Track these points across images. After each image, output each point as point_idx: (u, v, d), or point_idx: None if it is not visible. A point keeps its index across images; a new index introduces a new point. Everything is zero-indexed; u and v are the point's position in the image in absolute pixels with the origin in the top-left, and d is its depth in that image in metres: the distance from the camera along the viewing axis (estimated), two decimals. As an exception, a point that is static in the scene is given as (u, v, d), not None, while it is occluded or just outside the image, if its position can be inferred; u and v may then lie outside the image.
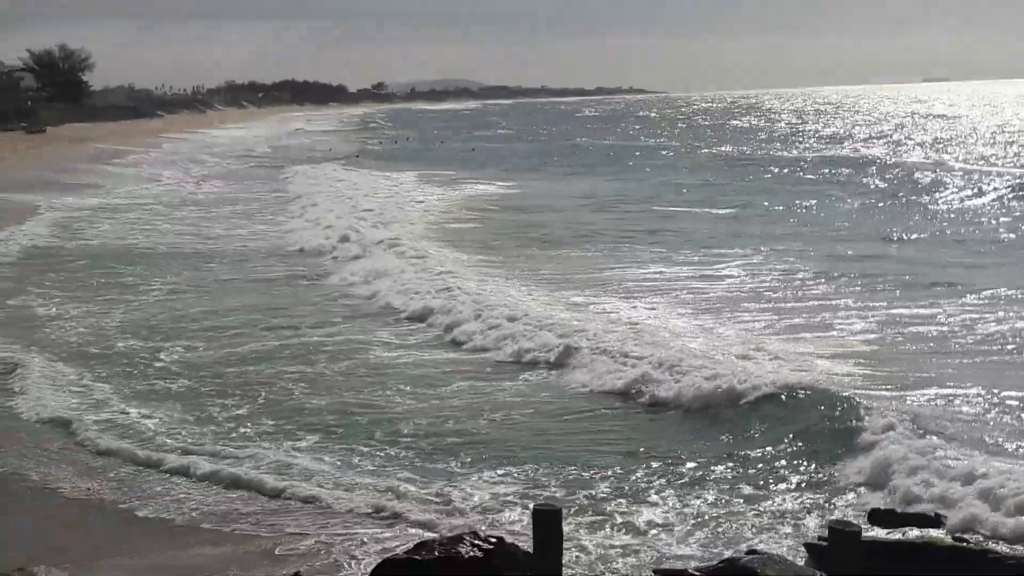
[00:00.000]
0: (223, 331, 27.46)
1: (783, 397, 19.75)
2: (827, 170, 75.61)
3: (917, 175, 68.13)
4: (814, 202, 55.50)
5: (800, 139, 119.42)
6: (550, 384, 22.44)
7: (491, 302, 28.80)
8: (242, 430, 19.70)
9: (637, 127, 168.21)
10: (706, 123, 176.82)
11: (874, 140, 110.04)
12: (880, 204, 54.38)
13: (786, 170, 77.17)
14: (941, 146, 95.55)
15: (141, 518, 15.87)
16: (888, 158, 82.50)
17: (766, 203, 55.42)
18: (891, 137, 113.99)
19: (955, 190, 58.78)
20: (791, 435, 18.30)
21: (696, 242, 41.12)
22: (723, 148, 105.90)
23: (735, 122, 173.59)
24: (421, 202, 59.50)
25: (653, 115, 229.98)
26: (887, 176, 68.90)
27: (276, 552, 14.36)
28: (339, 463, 17.84)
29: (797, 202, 55.48)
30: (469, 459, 17.88)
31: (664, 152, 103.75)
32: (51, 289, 33.48)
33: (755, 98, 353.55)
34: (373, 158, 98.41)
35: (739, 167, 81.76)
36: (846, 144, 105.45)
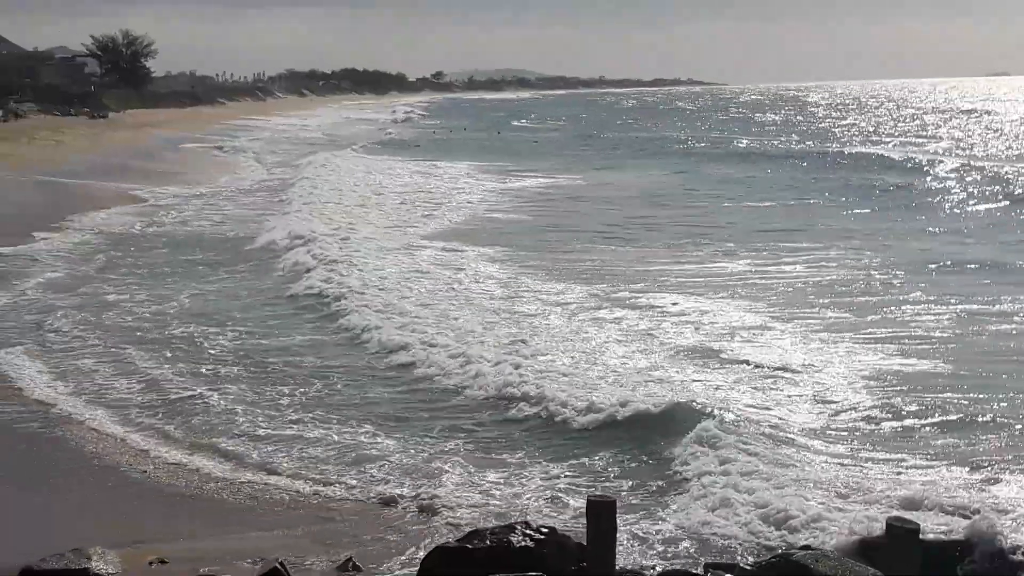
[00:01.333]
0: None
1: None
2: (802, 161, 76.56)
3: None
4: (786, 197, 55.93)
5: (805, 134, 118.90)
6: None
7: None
8: (291, 416, 19.82)
9: (664, 120, 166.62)
10: (738, 116, 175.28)
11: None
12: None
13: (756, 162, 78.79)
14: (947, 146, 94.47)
15: (194, 502, 16.00)
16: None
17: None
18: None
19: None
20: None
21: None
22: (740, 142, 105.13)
23: (762, 115, 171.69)
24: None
25: (689, 108, 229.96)
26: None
27: (327, 540, 14.38)
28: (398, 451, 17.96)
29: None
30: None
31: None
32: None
33: (804, 90, 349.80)
34: (424, 148, 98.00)
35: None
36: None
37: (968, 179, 61.15)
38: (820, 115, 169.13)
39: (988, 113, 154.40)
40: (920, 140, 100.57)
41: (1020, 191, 55.05)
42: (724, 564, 13.09)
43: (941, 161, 71.55)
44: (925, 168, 69.20)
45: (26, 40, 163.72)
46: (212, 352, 24.30)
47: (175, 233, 42.75)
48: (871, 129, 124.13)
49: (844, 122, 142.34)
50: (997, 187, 57.46)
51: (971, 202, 52.16)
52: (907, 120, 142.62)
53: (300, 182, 61.57)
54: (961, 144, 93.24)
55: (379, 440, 18.43)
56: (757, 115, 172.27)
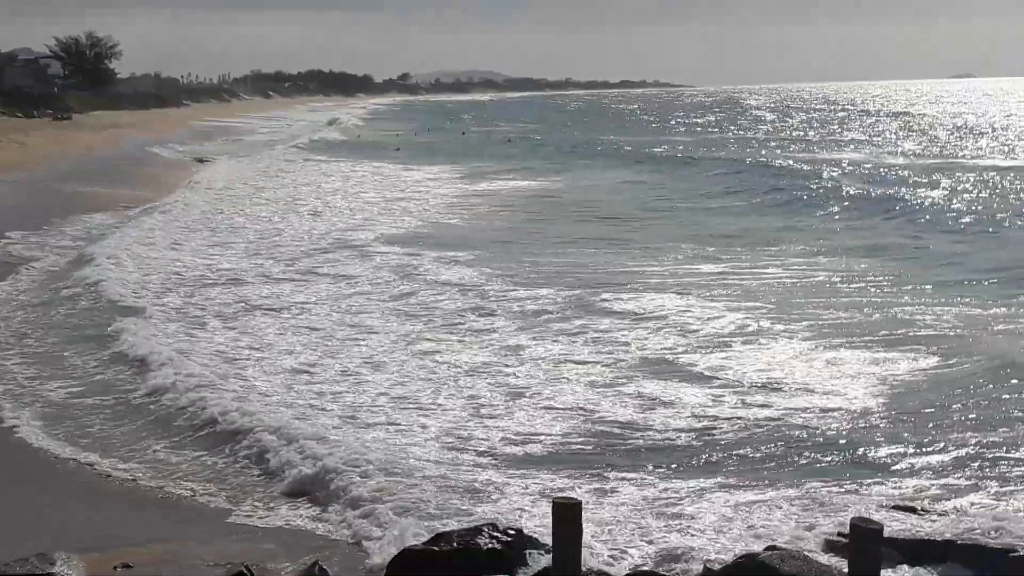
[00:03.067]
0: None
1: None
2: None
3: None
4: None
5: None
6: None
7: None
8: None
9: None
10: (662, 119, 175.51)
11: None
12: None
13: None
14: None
15: (159, 507, 15.93)
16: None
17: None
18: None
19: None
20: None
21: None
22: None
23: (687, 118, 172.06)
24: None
25: (634, 107, 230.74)
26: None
27: (295, 542, 14.37)
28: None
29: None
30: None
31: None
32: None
33: (759, 92, 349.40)
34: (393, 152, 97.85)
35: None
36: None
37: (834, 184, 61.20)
38: (740, 118, 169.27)
39: (912, 115, 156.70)
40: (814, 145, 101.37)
41: (865, 191, 55.77)
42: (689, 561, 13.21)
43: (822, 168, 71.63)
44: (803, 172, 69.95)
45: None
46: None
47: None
48: (775, 132, 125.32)
49: (758, 126, 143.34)
50: (862, 187, 58.41)
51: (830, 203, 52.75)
52: (821, 124, 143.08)
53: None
54: (860, 147, 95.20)
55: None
56: (679, 118, 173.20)
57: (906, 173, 67.24)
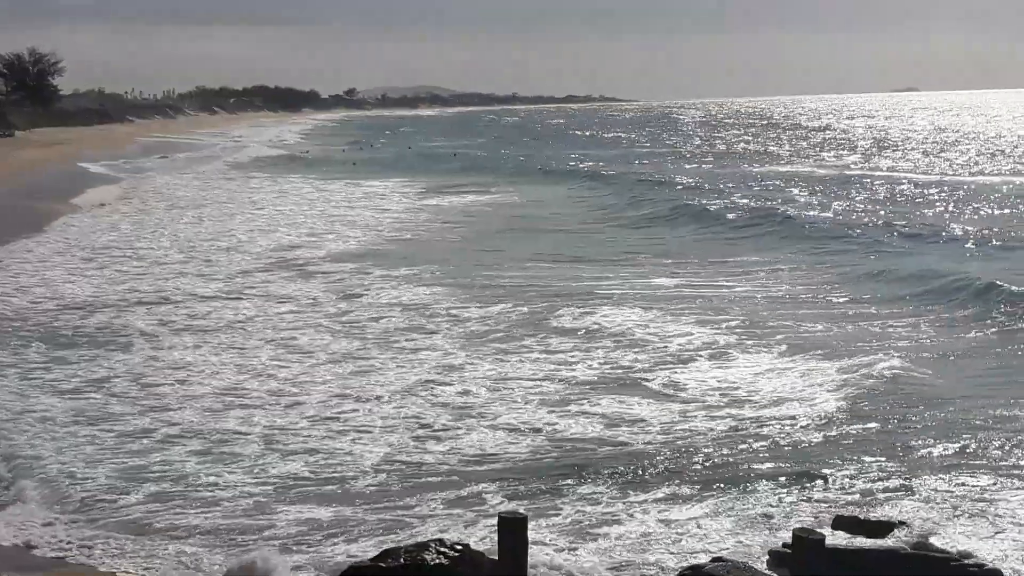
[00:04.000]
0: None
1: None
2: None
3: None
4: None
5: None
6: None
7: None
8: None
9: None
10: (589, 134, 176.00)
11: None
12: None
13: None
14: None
15: None
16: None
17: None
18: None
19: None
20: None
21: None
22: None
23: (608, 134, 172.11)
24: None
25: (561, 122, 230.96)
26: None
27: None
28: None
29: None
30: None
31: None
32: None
33: (700, 106, 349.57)
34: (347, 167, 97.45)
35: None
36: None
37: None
38: (668, 134, 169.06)
39: (828, 129, 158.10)
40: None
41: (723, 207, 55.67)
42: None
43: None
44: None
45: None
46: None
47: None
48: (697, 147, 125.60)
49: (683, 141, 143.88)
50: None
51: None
52: (744, 139, 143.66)
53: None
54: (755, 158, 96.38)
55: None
56: (608, 133, 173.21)
57: (803, 184, 68.75)
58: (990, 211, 53.22)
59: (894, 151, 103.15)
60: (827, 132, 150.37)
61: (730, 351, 24.99)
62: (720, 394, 21.67)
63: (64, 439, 19.17)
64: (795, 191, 64.25)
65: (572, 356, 24.93)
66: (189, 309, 30.75)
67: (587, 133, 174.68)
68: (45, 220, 50.90)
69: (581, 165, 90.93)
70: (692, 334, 26.61)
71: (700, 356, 24.62)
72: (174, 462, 18.06)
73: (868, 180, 71.02)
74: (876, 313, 29.10)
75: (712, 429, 19.50)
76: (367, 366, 24.25)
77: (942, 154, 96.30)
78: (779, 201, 57.31)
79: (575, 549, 14.22)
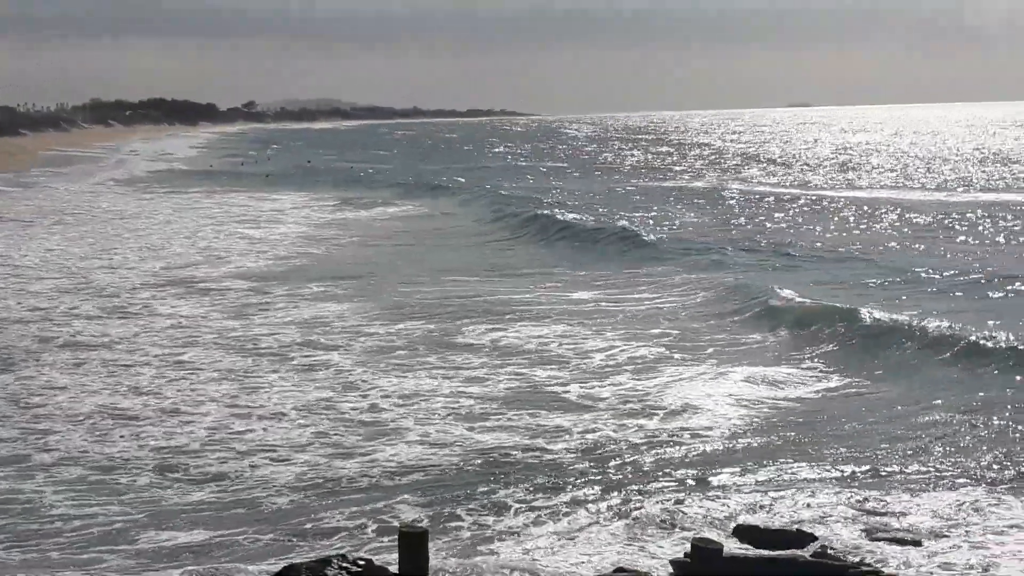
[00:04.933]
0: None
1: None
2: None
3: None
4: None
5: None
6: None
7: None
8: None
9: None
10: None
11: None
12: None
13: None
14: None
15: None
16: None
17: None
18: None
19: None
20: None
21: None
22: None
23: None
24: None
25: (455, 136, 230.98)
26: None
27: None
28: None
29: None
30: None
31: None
32: None
33: (587, 121, 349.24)
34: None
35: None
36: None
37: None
38: (555, 147, 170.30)
39: (707, 146, 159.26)
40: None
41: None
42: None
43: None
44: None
45: None
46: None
47: None
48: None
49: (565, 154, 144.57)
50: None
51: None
52: (620, 152, 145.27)
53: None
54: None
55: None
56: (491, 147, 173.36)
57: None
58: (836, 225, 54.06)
59: (762, 166, 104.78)
60: (706, 148, 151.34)
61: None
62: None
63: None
64: (642, 208, 64.17)
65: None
66: (70, 328, 29.97)
67: (467, 148, 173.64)
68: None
69: (457, 178, 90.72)
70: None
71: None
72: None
73: (730, 194, 71.97)
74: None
75: (625, 441, 19.69)
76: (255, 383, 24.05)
77: (810, 169, 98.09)
78: (622, 216, 57.16)
79: (474, 558, 14.28)
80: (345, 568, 12.82)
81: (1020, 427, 19.74)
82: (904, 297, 32.37)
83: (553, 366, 25.30)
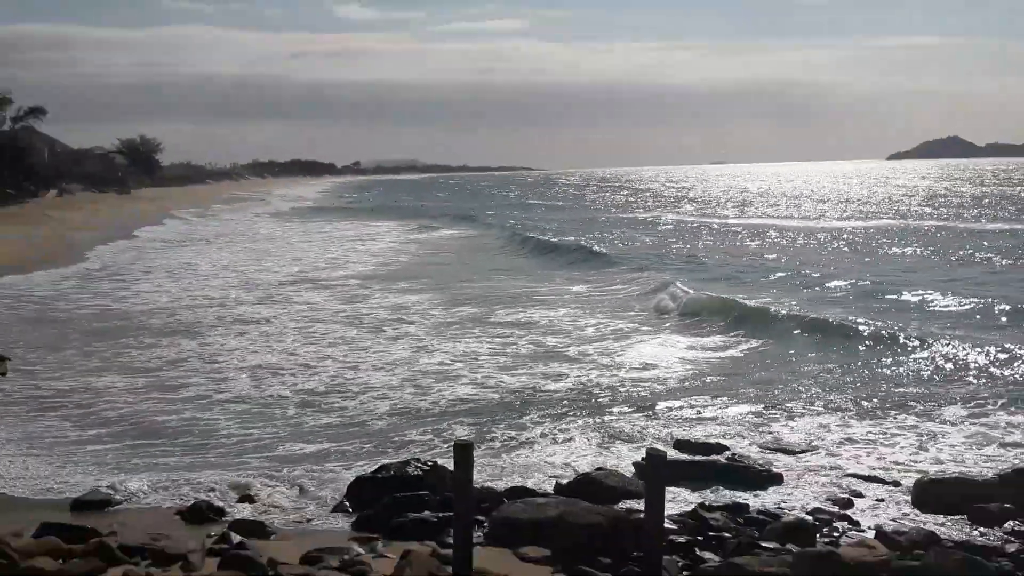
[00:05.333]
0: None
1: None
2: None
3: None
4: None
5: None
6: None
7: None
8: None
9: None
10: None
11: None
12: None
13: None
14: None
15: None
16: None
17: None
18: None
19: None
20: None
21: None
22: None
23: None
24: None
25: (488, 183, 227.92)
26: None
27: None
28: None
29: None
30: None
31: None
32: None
33: (576, 175, 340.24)
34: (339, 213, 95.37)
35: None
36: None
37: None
38: (546, 192, 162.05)
39: (651, 190, 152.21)
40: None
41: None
42: (554, 476, 13.34)
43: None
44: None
45: (73, 142, 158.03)
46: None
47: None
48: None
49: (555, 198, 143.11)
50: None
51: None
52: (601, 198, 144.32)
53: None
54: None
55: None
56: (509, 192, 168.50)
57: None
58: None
59: (687, 203, 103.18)
60: (650, 191, 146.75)
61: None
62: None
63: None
64: (606, 231, 62.47)
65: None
66: (236, 310, 29.87)
67: (495, 191, 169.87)
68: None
69: (487, 212, 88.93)
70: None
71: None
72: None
73: (664, 222, 70.54)
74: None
75: (604, 385, 19.53)
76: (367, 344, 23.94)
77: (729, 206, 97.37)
78: (590, 237, 55.19)
79: (504, 465, 14.27)
80: (420, 467, 12.90)
81: (855, 377, 19.58)
82: (774, 290, 31.82)
83: (559, 335, 25.20)
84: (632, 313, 28.82)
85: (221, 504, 12.41)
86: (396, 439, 15.79)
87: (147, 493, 12.91)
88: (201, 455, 15.02)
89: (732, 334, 24.61)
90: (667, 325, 26.66)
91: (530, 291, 34.03)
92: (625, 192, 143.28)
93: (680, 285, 31.51)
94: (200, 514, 12.04)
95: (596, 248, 47.63)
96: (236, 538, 10.97)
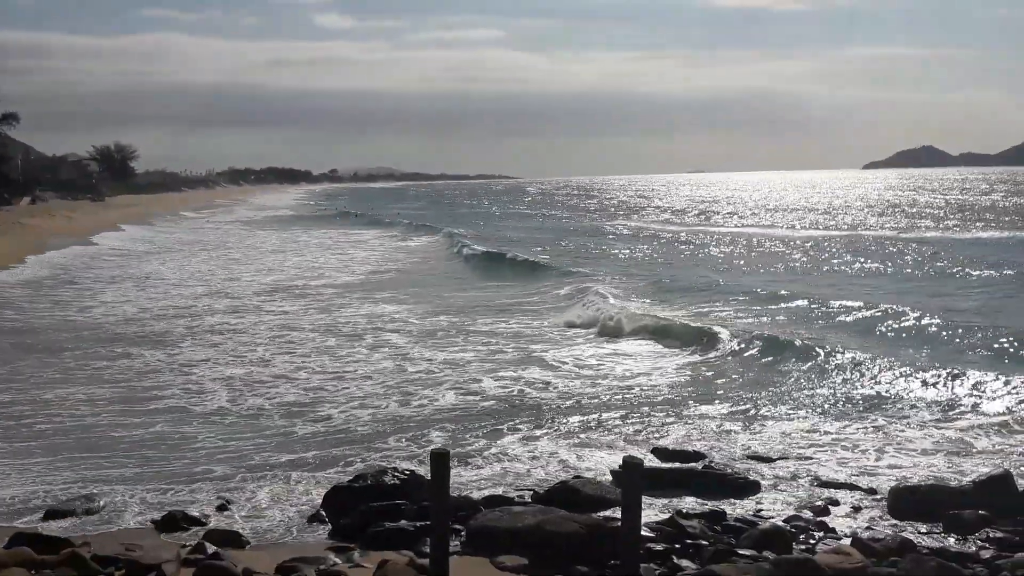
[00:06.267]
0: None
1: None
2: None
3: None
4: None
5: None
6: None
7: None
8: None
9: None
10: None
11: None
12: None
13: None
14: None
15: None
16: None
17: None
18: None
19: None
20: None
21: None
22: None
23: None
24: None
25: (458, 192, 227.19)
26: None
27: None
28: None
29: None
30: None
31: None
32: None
33: (545, 183, 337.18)
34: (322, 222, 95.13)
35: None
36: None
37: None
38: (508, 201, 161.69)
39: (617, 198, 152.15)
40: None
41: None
42: (525, 489, 13.32)
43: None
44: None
45: (48, 149, 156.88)
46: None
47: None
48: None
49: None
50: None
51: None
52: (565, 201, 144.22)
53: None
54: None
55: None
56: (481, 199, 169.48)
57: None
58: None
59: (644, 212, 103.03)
60: (616, 200, 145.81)
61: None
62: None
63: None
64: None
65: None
66: (207, 319, 29.48)
67: (465, 201, 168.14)
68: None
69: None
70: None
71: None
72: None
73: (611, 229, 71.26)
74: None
75: (585, 393, 19.48)
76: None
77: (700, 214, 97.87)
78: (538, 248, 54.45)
79: (481, 472, 14.25)
80: (397, 476, 12.84)
81: (823, 386, 19.64)
82: (706, 300, 31.37)
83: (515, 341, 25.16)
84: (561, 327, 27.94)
85: (196, 514, 12.31)
86: (378, 444, 15.75)
87: (121, 503, 12.79)
88: (174, 465, 14.85)
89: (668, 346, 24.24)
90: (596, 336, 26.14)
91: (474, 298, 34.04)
92: (593, 201, 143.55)
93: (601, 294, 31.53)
94: (174, 523, 11.96)
95: (530, 258, 46.77)
96: (211, 548, 10.88)
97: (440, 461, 9.34)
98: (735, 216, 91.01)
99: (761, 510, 12.52)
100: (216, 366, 22.32)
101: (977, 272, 38.30)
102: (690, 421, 17.13)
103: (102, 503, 12.70)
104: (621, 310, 28.34)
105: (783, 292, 32.00)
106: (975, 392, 18.38)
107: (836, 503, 12.74)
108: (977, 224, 69.71)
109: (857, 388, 19.22)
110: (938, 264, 42.24)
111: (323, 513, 12.35)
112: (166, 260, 50.87)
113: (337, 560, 10.71)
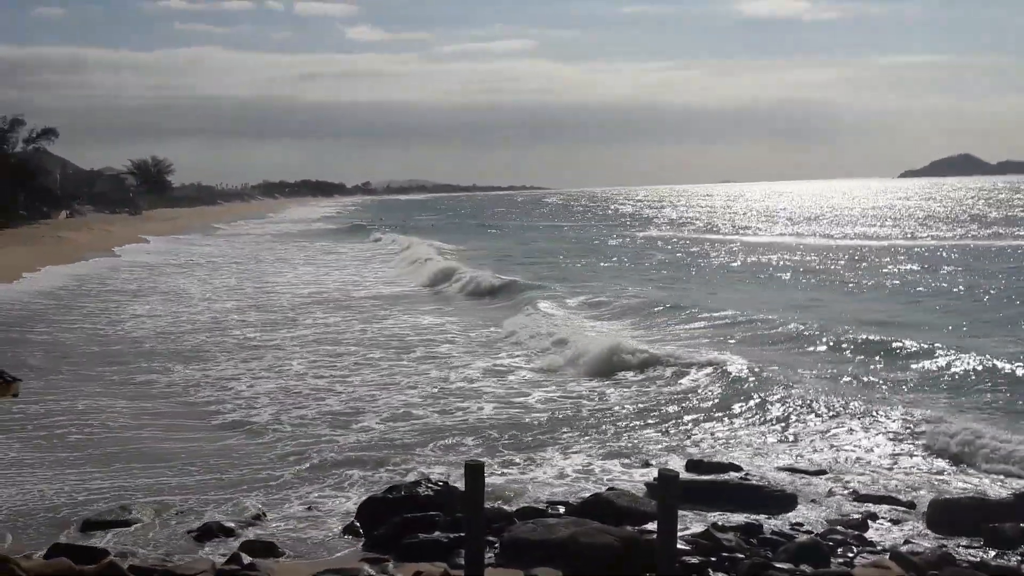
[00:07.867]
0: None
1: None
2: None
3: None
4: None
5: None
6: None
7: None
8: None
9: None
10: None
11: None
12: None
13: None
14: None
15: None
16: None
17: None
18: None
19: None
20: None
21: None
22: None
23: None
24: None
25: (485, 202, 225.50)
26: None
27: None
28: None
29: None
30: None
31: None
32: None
33: (564, 194, 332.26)
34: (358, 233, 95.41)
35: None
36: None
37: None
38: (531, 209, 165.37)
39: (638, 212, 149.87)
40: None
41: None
42: (558, 501, 13.28)
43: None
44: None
45: (85, 163, 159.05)
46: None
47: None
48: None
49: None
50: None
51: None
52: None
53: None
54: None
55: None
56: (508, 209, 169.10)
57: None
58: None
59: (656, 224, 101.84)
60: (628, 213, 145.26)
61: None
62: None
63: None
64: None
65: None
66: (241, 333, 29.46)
67: (488, 211, 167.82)
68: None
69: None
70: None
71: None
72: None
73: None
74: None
75: (598, 408, 19.43)
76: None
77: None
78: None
79: (517, 486, 14.21)
80: (431, 487, 12.86)
81: (865, 395, 19.49)
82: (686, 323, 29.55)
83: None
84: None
85: (231, 524, 12.39)
86: (418, 451, 15.95)
87: (158, 513, 12.90)
88: (212, 476, 14.99)
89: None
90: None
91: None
92: (608, 211, 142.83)
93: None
94: (211, 534, 12.04)
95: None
96: (247, 559, 10.94)
97: (475, 472, 9.34)
98: (758, 225, 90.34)
99: (798, 523, 12.40)
100: (252, 380, 22.45)
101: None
102: (724, 433, 17.04)
103: (139, 514, 12.81)
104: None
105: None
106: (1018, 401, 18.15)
107: (874, 517, 12.59)
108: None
109: (896, 403, 18.97)
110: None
111: (357, 524, 12.38)
112: (195, 274, 51.27)
113: (371, 571, 10.72)
